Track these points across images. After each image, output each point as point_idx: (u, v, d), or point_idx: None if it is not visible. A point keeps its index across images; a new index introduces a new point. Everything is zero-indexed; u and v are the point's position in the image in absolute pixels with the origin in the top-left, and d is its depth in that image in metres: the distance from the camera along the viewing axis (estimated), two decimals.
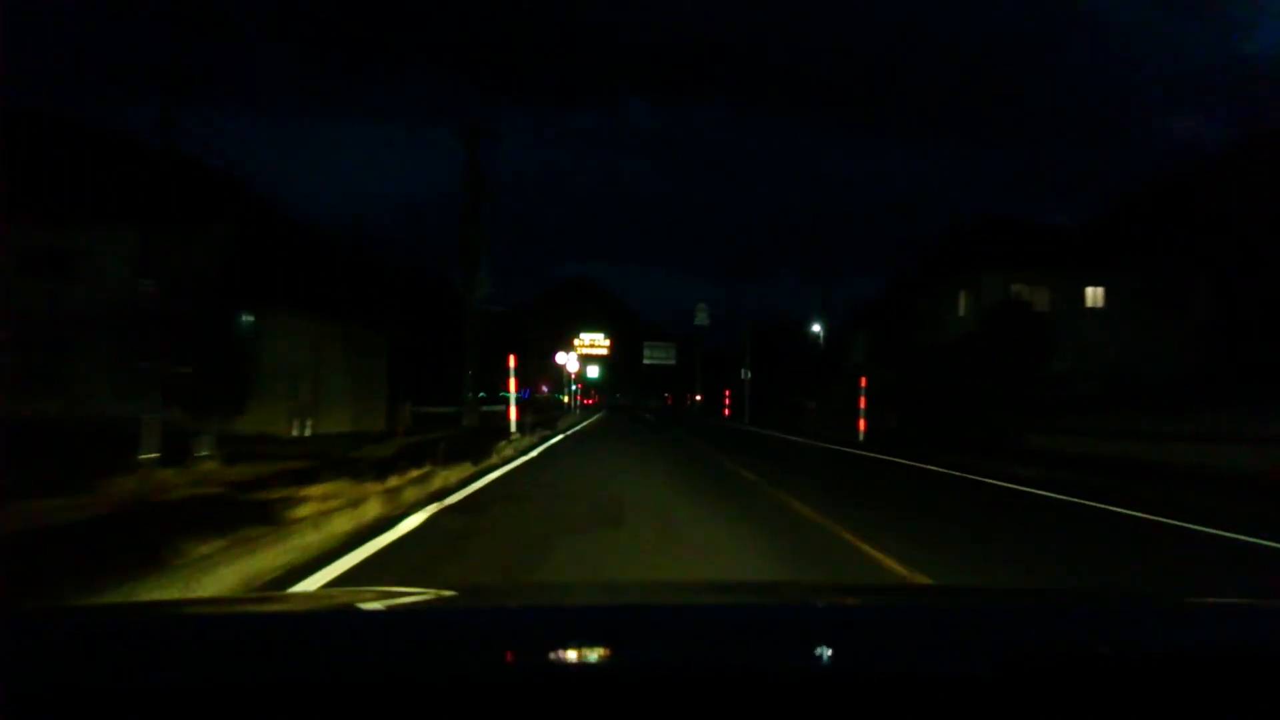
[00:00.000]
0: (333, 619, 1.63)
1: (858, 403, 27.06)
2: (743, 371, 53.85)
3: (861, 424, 26.37)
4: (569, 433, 28.76)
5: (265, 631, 1.45)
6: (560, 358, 54.64)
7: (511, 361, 22.14)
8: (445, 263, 31.84)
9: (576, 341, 78.21)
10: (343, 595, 3.05)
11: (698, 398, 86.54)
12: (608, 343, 79.26)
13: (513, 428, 21.09)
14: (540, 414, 36.28)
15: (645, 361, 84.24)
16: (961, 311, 34.87)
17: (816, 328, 45.91)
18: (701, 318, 63.35)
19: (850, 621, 1.68)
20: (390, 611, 1.75)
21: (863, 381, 27.90)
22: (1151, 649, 1.38)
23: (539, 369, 66.27)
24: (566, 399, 58.00)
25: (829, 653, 1.34)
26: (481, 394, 29.56)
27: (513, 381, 22.19)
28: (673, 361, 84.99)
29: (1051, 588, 5.41)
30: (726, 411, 61.38)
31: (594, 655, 1.37)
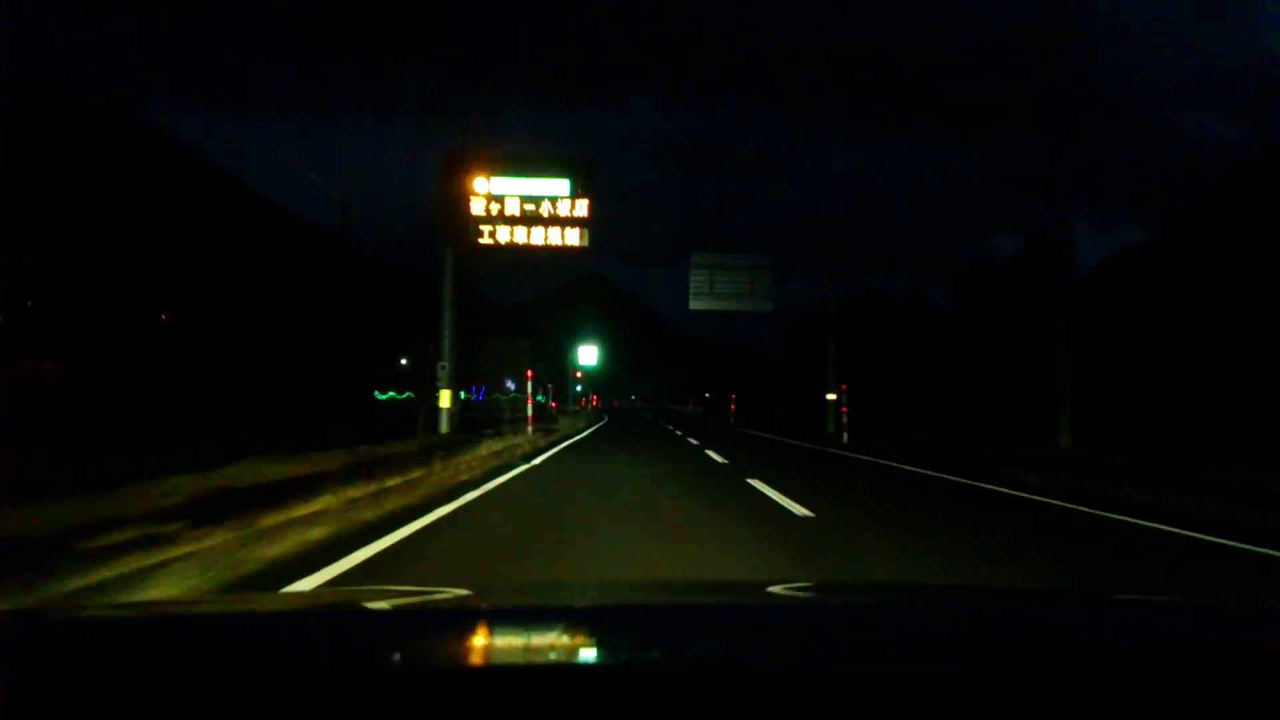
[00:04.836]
0: (339, 617, 1.60)
1: None
2: None
3: None
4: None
5: (271, 631, 1.41)
6: None
7: None
8: None
9: (482, 187, 23.60)
10: (349, 594, 2.83)
11: (830, 397, 31.64)
12: (586, 202, 24.02)
13: None
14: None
15: (692, 306, 29.49)
16: None
17: None
18: None
19: (847, 621, 1.64)
20: (399, 611, 1.73)
21: None
22: (1145, 649, 1.30)
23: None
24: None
25: (825, 652, 1.29)
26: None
27: None
28: (770, 307, 30.27)
29: (1048, 588, 4.93)
30: None
31: (594, 655, 1.35)
